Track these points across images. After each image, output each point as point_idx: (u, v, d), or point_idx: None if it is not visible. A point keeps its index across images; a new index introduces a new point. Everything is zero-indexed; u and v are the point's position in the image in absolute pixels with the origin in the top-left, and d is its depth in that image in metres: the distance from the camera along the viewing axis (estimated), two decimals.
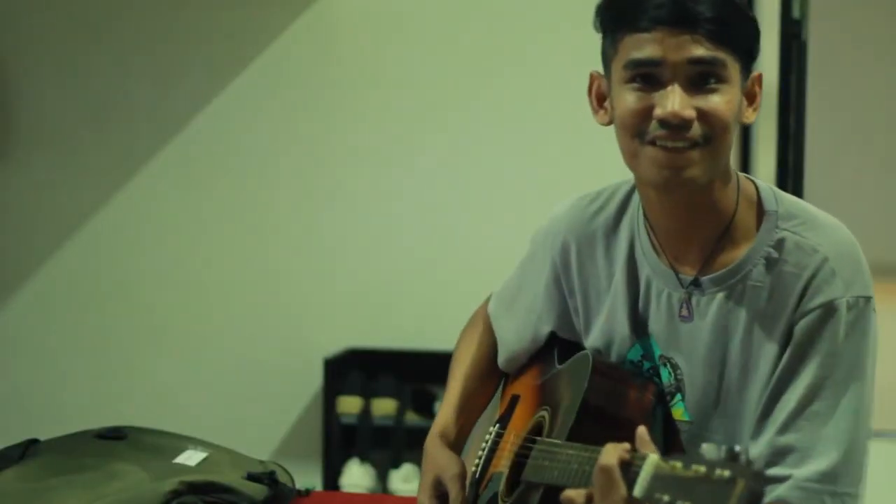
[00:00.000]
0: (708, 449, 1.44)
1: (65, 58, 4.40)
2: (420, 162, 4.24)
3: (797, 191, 3.96)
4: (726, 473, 1.41)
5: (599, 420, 1.85)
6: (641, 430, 1.58)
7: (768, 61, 4.15)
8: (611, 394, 1.89)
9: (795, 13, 3.94)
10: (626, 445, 1.57)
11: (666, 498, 1.44)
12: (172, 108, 4.35)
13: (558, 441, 1.84)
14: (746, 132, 4.37)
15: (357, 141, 4.27)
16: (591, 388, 1.87)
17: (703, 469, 1.42)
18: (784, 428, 1.79)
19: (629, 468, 1.53)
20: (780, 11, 3.94)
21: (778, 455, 1.79)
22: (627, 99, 1.79)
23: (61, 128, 4.41)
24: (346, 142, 4.28)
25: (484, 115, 4.19)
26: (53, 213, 4.44)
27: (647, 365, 1.94)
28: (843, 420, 1.79)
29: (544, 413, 1.97)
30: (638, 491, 1.48)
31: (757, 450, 1.81)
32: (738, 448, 1.43)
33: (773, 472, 1.79)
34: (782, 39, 3.95)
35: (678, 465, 1.45)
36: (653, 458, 1.49)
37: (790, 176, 3.98)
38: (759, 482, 1.40)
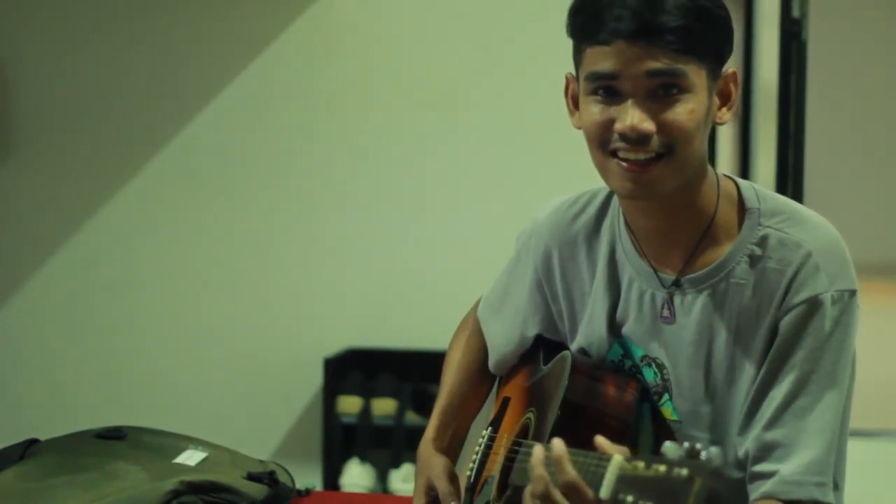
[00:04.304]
0: (669, 448, 1.45)
1: (65, 58, 4.40)
2: (419, 162, 4.25)
3: (797, 191, 3.96)
4: (684, 472, 1.42)
5: (581, 419, 1.85)
6: (599, 440, 1.59)
7: (768, 61, 4.15)
8: (591, 392, 1.89)
9: (795, 13, 3.94)
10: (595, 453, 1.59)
11: (630, 498, 1.45)
12: (172, 108, 4.36)
13: (540, 444, 1.84)
14: (746, 132, 4.38)
15: (357, 142, 4.27)
16: (570, 387, 1.87)
17: (663, 468, 1.44)
18: (770, 424, 1.80)
19: (596, 470, 1.54)
20: (780, 11, 3.94)
21: (765, 451, 1.80)
22: (591, 111, 1.79)
23: (61, 128, 4.42)
24: (345, 143, 4.28)
25: (483, 117, 4.20)
26: (53, 213, 4.44)
27: (628, 364, 1.94)
28: (827, 411, 1.80)
29: (530, 415, 1.98)
30: (604, 493, 1.49)
31: (744, 446, 1.82)
32: (698, 446, 1.44)
33: (761, 467, 1.80)
34: (782, 39, 3.95)
35: (640, 465, 1.47)
36: (617, 459, 1.50)
37: (790, 176, 3.98)
38: (717, 479, 1.41)
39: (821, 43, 4.27)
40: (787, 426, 1.79)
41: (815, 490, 1.79)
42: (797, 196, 3.91)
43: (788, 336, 1.80)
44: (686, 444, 1.45)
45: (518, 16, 4.16)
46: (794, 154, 3.98)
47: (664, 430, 1.91)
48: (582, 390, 1.88)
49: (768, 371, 1.81)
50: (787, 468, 1.78)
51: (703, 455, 1.43)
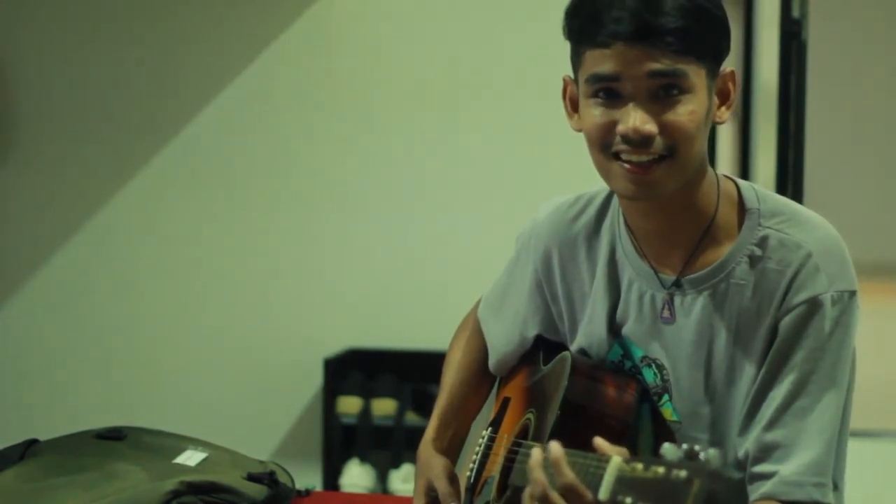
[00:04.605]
0: (668, 449, 1.46)
1: (65, 59, 4.40)
2: (419, 162, 4.25)
3: (797, 191, 3.96)
4: (683, 474, 1.43)
5: (581, 420, 1.85)
6: (598, 441, 1.59)
7: (768, 61, 4.15)
8: (591, 393, 1.89)
9: (795, 13, 3.94)
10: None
11: (628, 500, 1.46)
12: (173, 109, 4.36)
13: (540, 444, 1.84)
14: (746, 132, 4.37)
15: (357, 142, 4.27)
16: (570, 387, 1.87)
17: (661, 470, 1.45)
18: (770, 424, 1.80)
19: (595, 472, 1.54)
20: (780, 11, 3.94)
21: (765, 451, 1.81)
22: (592, 113, 1.79)
23: (61, 128, 4.42)
24: (345, 143, 4.28)
25: (484, 117, 4.20)
26: (53, 213, 4.44)
27: (627, 364, 1.94)
28: (826, 412, 1.80)
29: (530, 415, 1.98)
30: (602, 494, 1.50)
31: (744, 447, 1.82)
32: (697, 447, 1.45)
33: (761, 468, 1.81)
34: (782, 39, 3.95)
35: (639, 466, 1.47)
36: (616, 461, 1.51)
37: (790, 176, 3.98)
38: (715, 481, 1.42)
39: (821, 43, 4.27)
40: (787, 427, 1.80)
41: (815, 491, 1.79)
42: (797, 196, 3.91)
43: (788, 337, 1.81)
44: (685, 446, 1.45)
45: (518, 16, 4.16)
46: (794, 154, 3.98)
47: (664, 431, 1.91)
48: (581, 391, 1.88)
49: (768, 371, 1.81)
50: (787, 469, 1.79)
51: (702, 456, 1.44)
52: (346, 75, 4.27)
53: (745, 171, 4.33)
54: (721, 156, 4.25)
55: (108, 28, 4.38)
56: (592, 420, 1.85)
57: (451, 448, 2.15)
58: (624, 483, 1.48)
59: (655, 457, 1.46)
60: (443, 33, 4.23)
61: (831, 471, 1.81)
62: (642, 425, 1.91)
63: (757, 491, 1.80)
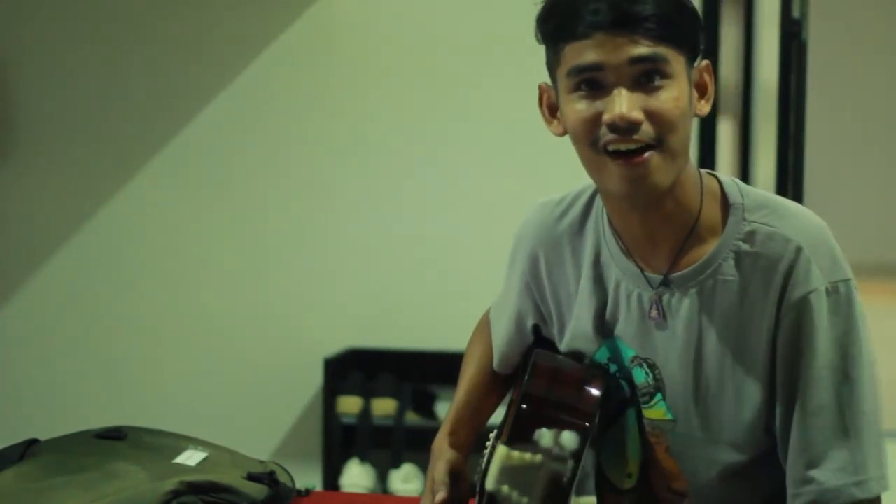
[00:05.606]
0: (541, 434, 1.49)
1: (64, 59, 4.40)
2: (420, 162, 4.25)
3: (797, 191, 3.96)
4: (538, 458, 1.49)
5: (538, 416, 1.82)
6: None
7: (768, 61, 4.15)
8: (551, 389, 1.87)
9: (795, 13, 3.94)
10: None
11: (505, 488, 1.50)
12: (172, 109, 4.36)
13: (498, 443, 1.85)
14: (746, 132, 4.37)
15: (357, 141, 4.27)
16: (529, 384, 1.87)
17: (528, 456, 1.51)
18: (797, 429, 1.80)
19: (488, 462, 1.58)
20: (780, 11, 3.94)
21: (799, 454, 1.80)
22: (576, 107, 1.79)
23: (61, 129, 4.42)
24: (346, 142, 4.28)
25: (485, 117, 4.20)
26: (53, 213, 4.44)
27: (613, 368, 1.93)
28: (848, 407, 1.79)
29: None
30: (490, 484, 1.53)
31: (788, 458, 1.82)
32: (561, 433, 1.47)
33: (800, 473, 1.80)
34: (782, 39, 3.95)
35: (516, 454, 1.54)
36: (501, 450, 1.55)
37: (790, 176, 3.97)
38: (560, 464, 1.47)
39: (821, 43, 4.28)
40: (815, 429, 1.79)
41: (856, 490, 1.79)
42: (797, 196, 3.91)
43: (791, 337, 1.80)
44: (556, 431, 1.48)
45: (519, 16, 4.15)
46: (794, 154, 3.98)
47: (641, 430, 1.91)
48: (542, 388, 1.87)
49: (783, 374, 1.80)
50: (824, 475, 1.79)
51: (547, 441, 1.47)
52: (346, 75, 4.27)
53: (745, 171, 4.33)
54: (721, 156, 4.25)
55: (108, 28, 4.38)
56: (550, 416, 1.83)
57: (469, 444, 2.10)
58: (505, 471, 1.50)
59: (532, 444, 1.50)
60: (443, 33, 4.23)
61: (871, 461, 1.79)
62: (628, 432, 1.92)
63: (801, 497, 1.80)
